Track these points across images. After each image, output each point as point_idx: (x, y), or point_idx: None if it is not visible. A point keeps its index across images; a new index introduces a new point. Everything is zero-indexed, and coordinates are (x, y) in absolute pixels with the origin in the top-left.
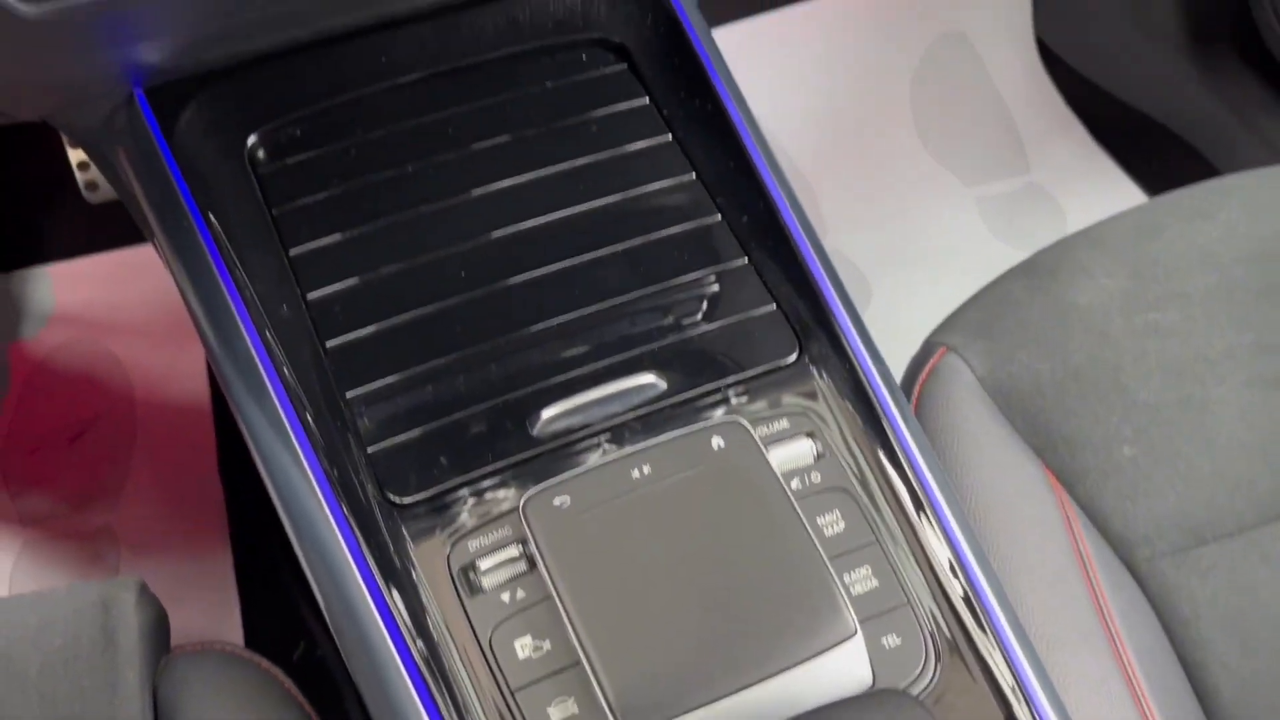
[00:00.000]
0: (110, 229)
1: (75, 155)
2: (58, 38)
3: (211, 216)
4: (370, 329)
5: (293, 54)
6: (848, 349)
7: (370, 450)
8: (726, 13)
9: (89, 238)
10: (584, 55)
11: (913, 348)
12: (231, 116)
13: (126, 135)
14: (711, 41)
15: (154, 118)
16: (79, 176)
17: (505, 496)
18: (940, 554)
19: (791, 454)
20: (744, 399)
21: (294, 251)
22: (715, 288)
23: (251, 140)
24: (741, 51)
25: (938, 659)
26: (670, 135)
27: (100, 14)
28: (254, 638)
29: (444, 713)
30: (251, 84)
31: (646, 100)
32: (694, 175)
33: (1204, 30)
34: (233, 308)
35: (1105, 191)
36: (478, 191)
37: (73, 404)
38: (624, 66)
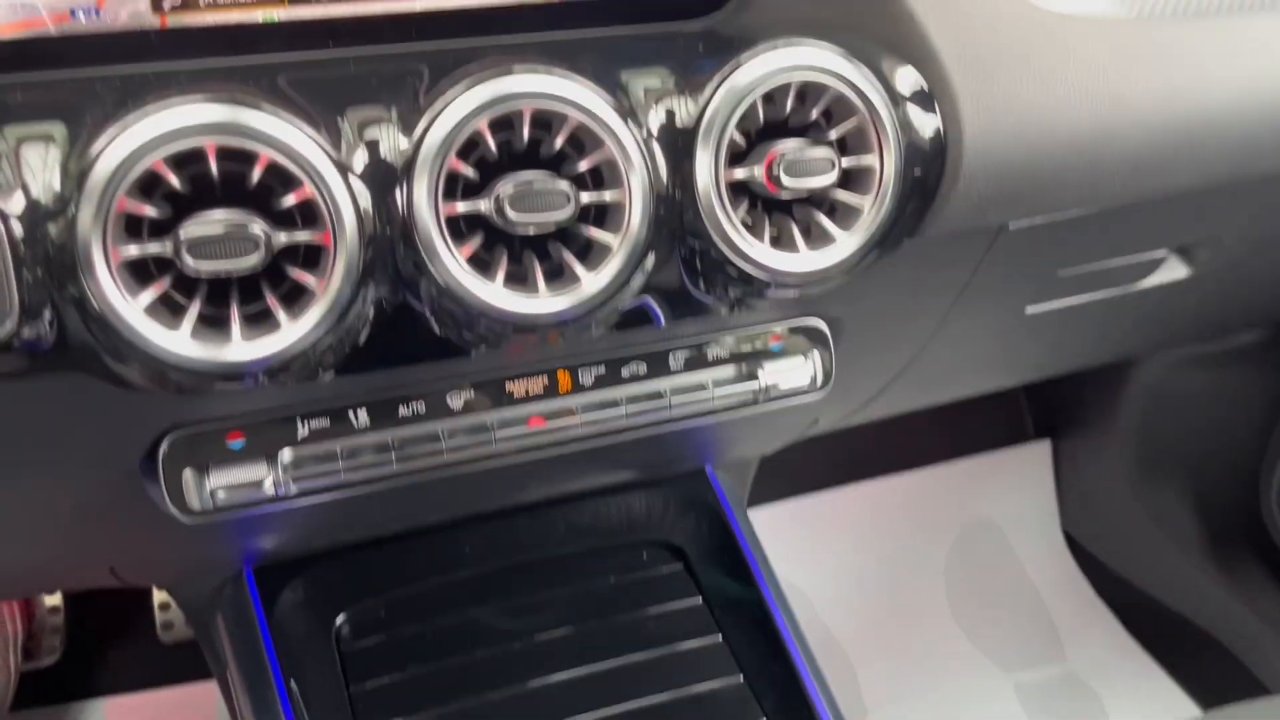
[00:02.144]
0: (172, 666)
1: (159, 596)
2: (198, 537)
3: (294, 686)
4: None
5: (386, 541)
6: None
7: None
8: (771, 493)
9: (150, 673)
10: (645, 554)
11: None
12: (326, 596)
13: (229, 606)
14: (760, 549)
15: (258, 594)
16: (158, 616)
17: None
18: None
19: None
20: None
21: None
22: None
23: (340, 619)
24: (784, 529)
25: None
26: (720, 635)
27: (240, 521)
28: None
29: None
30: (346, 567)
31: (699, 600)
32: (741, 678)
33: (1222, 534)
34: None
35: (1141, 683)
36: (538, 683)
37: None
38: (680, 566)
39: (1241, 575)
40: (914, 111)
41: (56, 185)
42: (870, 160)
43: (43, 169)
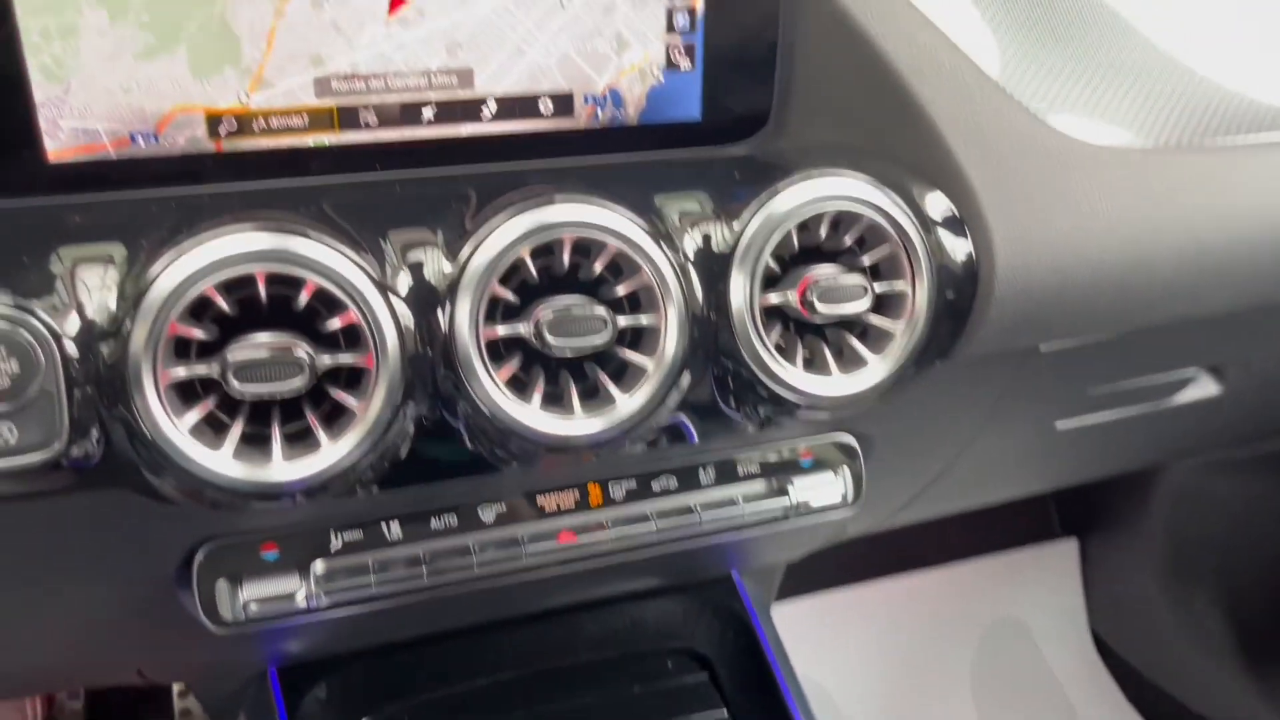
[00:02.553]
0: None
1: (178, 684)
2: (227, 642)
3: None
4: None
5: (412, 645)
6: None
7: None
8: (795, 589)
9: None
10: (670, 662)
11: None
12: (350, 699)
13: (252, 706)
14: (785, 659)
15: (281, 695)
16: (177, 704)
17: None
18: None
19: None
20: None
21: None
22: None
23: None
24: (808, 625)
25: None
26: None
27: (267, 630)
28: None
29: None
30: (371, 670)
31: (724, 713)
32: None
33: (1254, 640)
34: None
35: None
36: None
37: None
38: (705, 676)
39: (1273, 683)
40: (946, 237)
41: (111, 306)
42: (903, 286)
43: (99, 289)
